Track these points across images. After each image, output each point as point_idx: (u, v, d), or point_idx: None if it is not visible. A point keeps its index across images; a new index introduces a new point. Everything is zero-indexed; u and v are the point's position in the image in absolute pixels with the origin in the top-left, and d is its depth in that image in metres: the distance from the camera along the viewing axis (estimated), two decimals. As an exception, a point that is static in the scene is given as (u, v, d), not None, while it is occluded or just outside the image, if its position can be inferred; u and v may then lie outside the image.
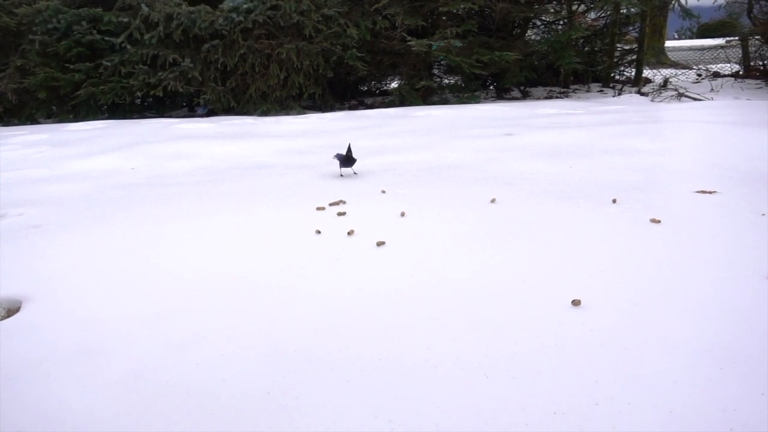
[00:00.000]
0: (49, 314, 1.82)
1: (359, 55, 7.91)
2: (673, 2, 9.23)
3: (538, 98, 8.63)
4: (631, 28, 9.77)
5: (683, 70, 10.29)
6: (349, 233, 2.40)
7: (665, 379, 1.33)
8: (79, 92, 7.91)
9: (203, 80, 7.92)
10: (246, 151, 4.70)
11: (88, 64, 7.93)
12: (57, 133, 6.40)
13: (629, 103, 7.40)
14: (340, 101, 8.89)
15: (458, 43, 7.56)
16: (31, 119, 8.41)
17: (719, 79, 9.12)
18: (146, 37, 7.77)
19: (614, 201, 2.68)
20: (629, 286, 1.80)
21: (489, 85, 9.56)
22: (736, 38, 9.86)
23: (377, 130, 5.51)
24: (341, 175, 3.52)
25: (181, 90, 7.91)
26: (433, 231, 2.41)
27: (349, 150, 3.45)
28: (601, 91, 8.94)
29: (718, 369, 1.35)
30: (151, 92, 7.97)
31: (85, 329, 1.71)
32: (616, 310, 1.65)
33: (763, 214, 2.40)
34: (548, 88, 9.30)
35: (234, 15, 7.65)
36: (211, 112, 8.12)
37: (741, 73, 9.51)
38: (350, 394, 1.33)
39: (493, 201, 2.78)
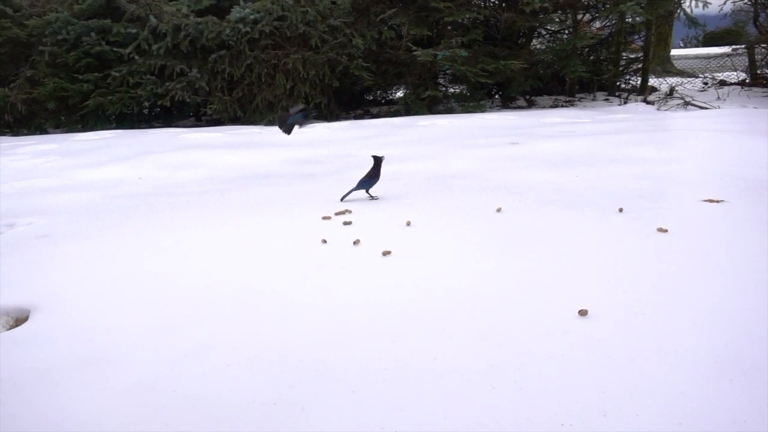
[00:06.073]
0: (57, 323, 1.83)
1: (365, 64, 7.96)
2: (678, 11, 9.24)
3: (544, 107, 8.64)
4: (636, 36, 9.79)
5: (689, 79, 10.28)
6: (354, 243, 2.40)
7: (673, 390, 1.32)
8: (88, 102, 8.00)
9: (210, 90, 8.00)
10: (252, 161, 4.73)
11: (96, 74, 8.03)
12: (65, 143, 6.46)
13: (635, 111, 7.40)
14: (345, 111, 8.93)
15: (463, 53, 7.59)
16: (41, 129, 8.50)
17: (725, 88, 9.10)
18: (154, 47, 7.86)
19: (621, 210, 2.67)
20: (636, 296, 1.79)
21: (494, 94, 9.58)
22: (743, 46, 9.85)
23: (383, 140, 5.53)
24: (372, 197, 3.13)
25: (188, 100, 7.99)
26: (438, 240, 2.41)
27: (377, 164, 3.08)
28: (607, 99, 8.94)
29: (727, 380, 1.34)
30: (159, 102, 8.05)
31: (93, 338, 1.72)
32: (623, 320, 1.64)
33: (772, 224, 2.38)
34: (554, 97, 9.31)
35: (241, 26, 7.72)
36: (217, 121, 8.18)
37: (747, 81, 9.48)
38: (356, 405, 1.33)
39: (498, 210, 2.78)
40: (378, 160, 3.13)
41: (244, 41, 7.76)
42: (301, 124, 3.18)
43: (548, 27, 9.39)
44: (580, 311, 1.69)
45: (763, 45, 9.28)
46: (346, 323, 1.72)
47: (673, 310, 1.69)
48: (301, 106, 3.27)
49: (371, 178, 3.11)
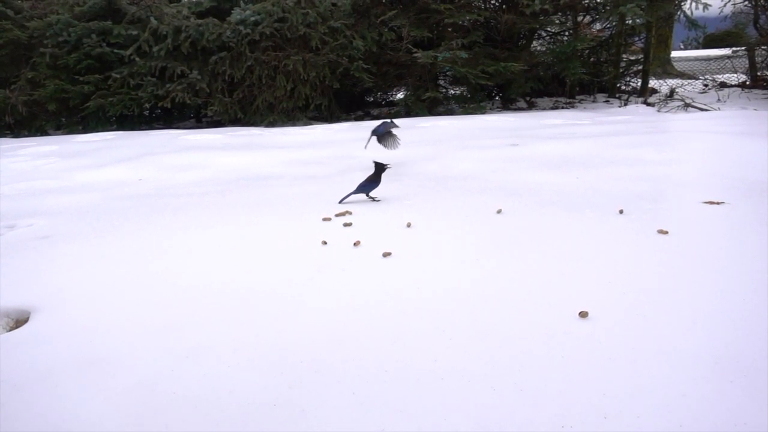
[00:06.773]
0: (57, 325, 1.83)
1: (365, 66, 7.96)
2: (678, 12, 9.24)
3: (544, 109, 8.64)
4: (636, 38, 9.78)
5: (689, 81, 10.28)
6: (355, 244, 2.40)
7: (674, 391, 1.31)
8: (89, 104, 8.00)
9: (211, 92, 8.00)
10: (253, 162, 4.73)
11: (97, 76, 8.03)
12: (66, 145, 6.46)
13: (635, 113, 7.40)
14: (346, 112, 8.93)
15: (464, 54, 7.60)
16: (41, 131, 8.50)
17: (726, 90, 9.10)
18: (155, 49, 7.86)
19: (621, 212, 2.67)
20: (637, 298, 1.79)
21: (495, 96, 9.59)
22: (743, 48, 9.85)
23: (383, 141, 5.53)
24: (373, 199, 3.14)
25: (188, 101, 7.99)
26: (439, 242, 2.41)
27: (378, 170, 3.09)
28: (607, 101, 8.94)
29: (728, 382, 1.34)
30: (160, 104, 8.05)
31: (93, 340, 1.72)
32: (623, 322, 1.64)
33: (772, 225, 2.38)
34: (554, 99, 9.31)
35: (241, 27, 7.73)
36: (218, 123, 8.18)
37: (748, 83, 9.49)
38: (356, 406, 1.33)
39: (499, 211, 2.78)
40: (380, 168, 3.10)
41: (245, 43, 7.77)
42: (384, 138, 3.56)
43: (548, 29, 9.40)
44: (580, 312, 1.69)
45: (763, 47, 9.28)
46: (346, 324, 1.72)
47: (673, 311, 1.69)
48: (381, 122, 3.52)
49: (371, 182, 3.10)
